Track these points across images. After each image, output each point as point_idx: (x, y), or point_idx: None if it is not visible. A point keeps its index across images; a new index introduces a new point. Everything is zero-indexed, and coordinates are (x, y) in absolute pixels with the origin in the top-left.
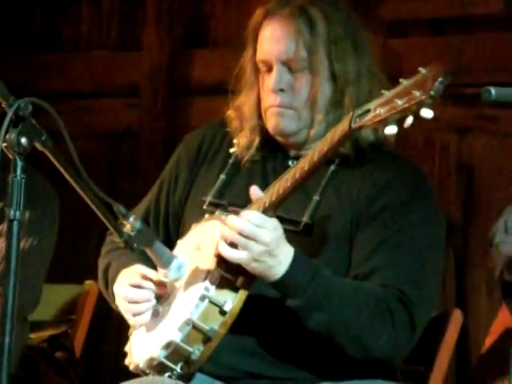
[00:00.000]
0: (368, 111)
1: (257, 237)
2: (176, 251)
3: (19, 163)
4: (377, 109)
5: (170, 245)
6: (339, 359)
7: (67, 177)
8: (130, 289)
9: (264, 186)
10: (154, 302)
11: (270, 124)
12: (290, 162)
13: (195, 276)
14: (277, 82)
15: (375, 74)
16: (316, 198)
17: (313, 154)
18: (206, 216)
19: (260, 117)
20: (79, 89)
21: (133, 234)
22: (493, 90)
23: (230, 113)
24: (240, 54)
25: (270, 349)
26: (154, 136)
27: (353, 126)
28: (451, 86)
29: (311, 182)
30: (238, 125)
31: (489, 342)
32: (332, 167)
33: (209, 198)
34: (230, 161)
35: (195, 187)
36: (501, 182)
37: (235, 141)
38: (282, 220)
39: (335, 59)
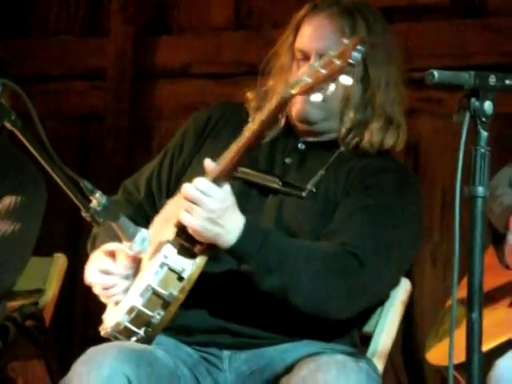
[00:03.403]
0: (299, 82)
1: (200, 202)
2: (151, 227)
3: None
4: (305, 79)
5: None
6: (297, 319)
7: (35, 154)
8: (99, 275)
9: (268, 164)
10: (122, 284)
11: (296, 109)
12: (299, 145)
13: (158, 246)
14: None
15: (399, 84)
16: (321, 172)
17: (253, 124)
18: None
19: None
20: (48, 72)
21: (99, 208)
22: (436, 73)
23: (250, 94)
24: (202, 40)
25: (234, 310)
26: (119, 117)
27: (285, 95)
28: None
29: (319, 161)
30: (259, 104)
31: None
32: (340, 150)
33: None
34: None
35: (199, 156)
36: (445, 160)
37: (252, 118)
38: (290, 186)
39: (370, 64)
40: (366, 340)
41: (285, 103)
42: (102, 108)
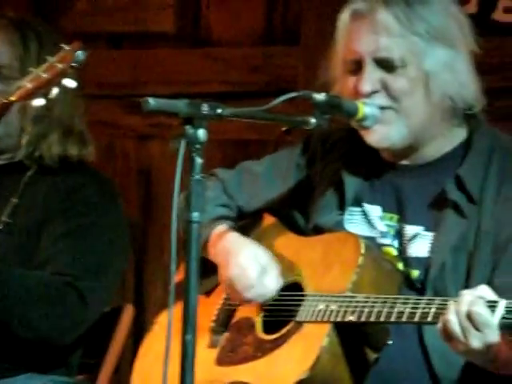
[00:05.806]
0: (19, 88)
1: None
2: None
3: None
4: (25, 84)
5: None
6: (14, 353)
7: None
8: None
9: None
10: None
11: None
12: None
13: None
14: None
15: (77, 98)
16: (14, 200)
17: None
18: None
19: None
20: None
21: None
22: (151, 101)
23: None
24: None
25: None
26: None
27: (5, 101)
28: (130, 96)
29: (12, 186)
30: None
31: None
32: (29, 173)
33: None
34: None
35: None
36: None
37: None
38: None
39: None
40: (89, 367)
41: (3, 110)
42: None
